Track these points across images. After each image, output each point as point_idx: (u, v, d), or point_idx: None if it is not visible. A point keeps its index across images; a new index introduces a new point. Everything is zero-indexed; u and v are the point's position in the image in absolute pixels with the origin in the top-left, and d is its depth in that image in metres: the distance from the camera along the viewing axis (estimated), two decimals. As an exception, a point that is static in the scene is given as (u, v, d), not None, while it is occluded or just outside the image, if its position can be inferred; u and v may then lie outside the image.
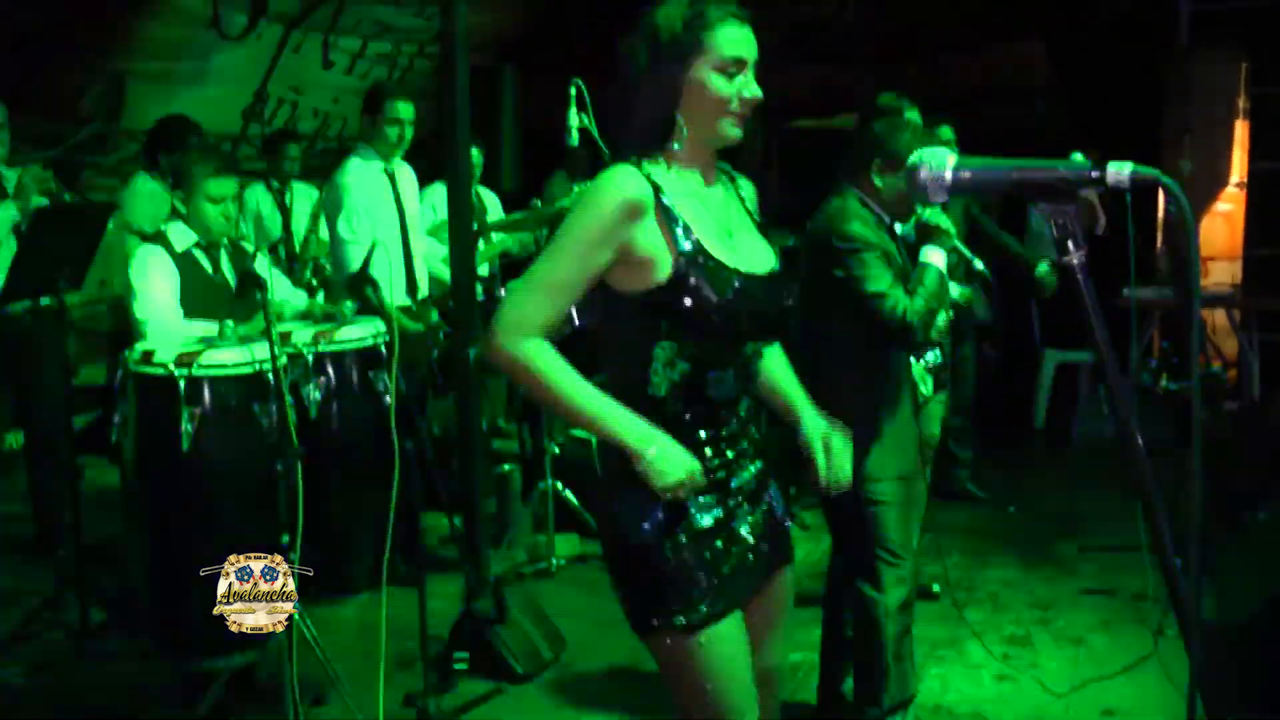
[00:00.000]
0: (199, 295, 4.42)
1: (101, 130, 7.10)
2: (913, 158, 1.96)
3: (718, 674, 2.32)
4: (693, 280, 2.22)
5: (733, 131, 2.29)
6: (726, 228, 2.35)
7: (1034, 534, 5.79)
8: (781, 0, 9.49)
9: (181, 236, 4.46)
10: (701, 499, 2.32)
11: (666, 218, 2.24)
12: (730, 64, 2.24)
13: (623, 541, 2.34)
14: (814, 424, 2.52)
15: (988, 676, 4.27)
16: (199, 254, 4.47)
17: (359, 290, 4.31)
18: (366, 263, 4.34)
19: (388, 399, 4.44)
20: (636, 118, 2.29)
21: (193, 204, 4.42)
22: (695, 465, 2.24)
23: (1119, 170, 1.78)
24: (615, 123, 2.37)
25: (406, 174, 5.61)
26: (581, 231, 2.23)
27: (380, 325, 4.68)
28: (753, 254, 2.37)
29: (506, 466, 5.90)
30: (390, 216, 5.45)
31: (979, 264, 3.83)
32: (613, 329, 2.35)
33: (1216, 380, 7.09)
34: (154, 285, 4.37)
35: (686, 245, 2.24)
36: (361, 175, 5.42)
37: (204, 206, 4.41)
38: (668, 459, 2.22)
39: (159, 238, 4.47)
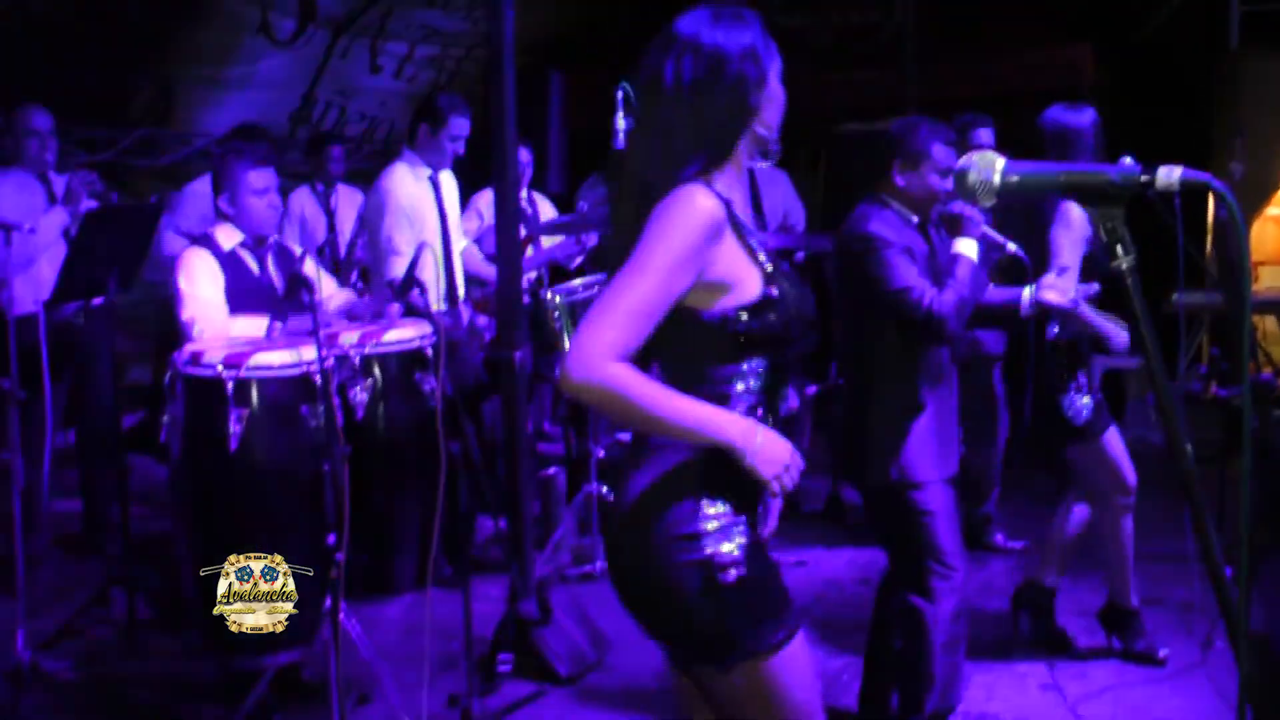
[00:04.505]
0: (244, 295, 4.46)
1: (151, 134, 7.18)
2: (962, 160, 1.95)
3: (805, 688, 2.26)
4: (777, 296, 2.18)
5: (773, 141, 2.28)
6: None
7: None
8: (828, 6, 9.48)
9: (228, 236, 4.50)
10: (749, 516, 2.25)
11: (742, 234, 2.19)
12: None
13: (696, 564, 2.16)
14: None
15: (1033, 685, 4.23)
16: (245, 253, 4.52)
17: (405, 293, 4.32)
18: (413, 265, 4.35)
19: (434, 401, 4.46)
20: (684, 137, 2.17)
21: (239, 201, 4.46)
22: (790, 446, 2.19)
23: (1169, 174, 1.77)
24: (652, 143, 2.20)
25: (449, 180, 5.63)
26: (665, 255, 2.10)
27: (426, 327, 4.70)
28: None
29: (552, 469, 5.92)
30: (433, 222, 5.47)
31: (1011, 246, 3.75)
32: (682, 351, 2.22)
33: (1266, 387, 6.99)
34: (200, 286, 4.41)
35: (766, 261, 2.20)
36: (407, 181, 5.44)
37: (250, 201, 4.45)
38: (773, 445, 2.16)
39: (205, 239, 4.51)
